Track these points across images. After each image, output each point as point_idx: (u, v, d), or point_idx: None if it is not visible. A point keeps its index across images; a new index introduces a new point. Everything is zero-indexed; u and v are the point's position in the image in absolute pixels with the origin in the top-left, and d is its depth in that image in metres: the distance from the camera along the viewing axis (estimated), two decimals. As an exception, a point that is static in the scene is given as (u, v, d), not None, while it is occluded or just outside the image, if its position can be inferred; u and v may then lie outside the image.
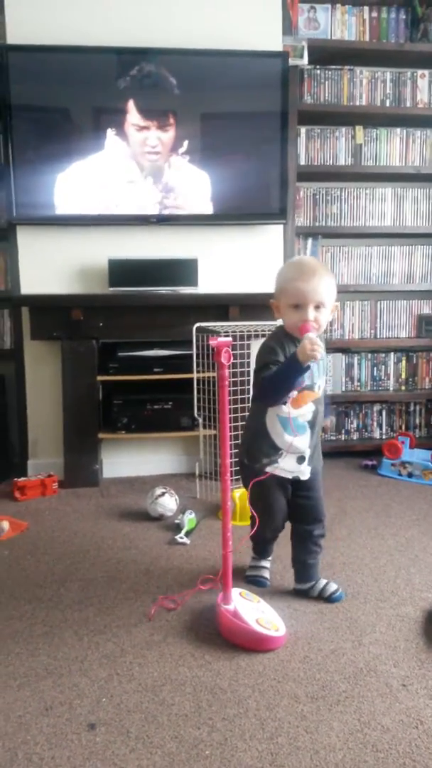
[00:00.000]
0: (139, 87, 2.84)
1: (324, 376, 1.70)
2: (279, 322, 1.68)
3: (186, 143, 2.90)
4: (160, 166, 2.90)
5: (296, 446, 1.65)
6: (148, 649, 1.52)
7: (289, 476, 1.69)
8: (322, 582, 1.78)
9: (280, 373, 1.56)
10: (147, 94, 2.85)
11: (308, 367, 1.52)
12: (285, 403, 1.62)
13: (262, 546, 1.88)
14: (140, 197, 2.91)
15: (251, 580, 1.84)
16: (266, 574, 1.86)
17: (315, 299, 1.55)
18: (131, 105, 2.85)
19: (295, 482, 1.71)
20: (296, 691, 1.35)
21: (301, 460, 1.68)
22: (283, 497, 1.73)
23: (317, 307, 1.56)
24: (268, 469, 1.67)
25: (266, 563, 1.89)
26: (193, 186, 2.94)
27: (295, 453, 1.67)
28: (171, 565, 2.01)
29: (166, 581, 1.89)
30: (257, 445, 1.68)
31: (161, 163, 2.90)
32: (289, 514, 1.78)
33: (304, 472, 1.70)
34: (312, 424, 1.67)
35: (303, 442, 1.66)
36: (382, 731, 1.22)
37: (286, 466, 1.67)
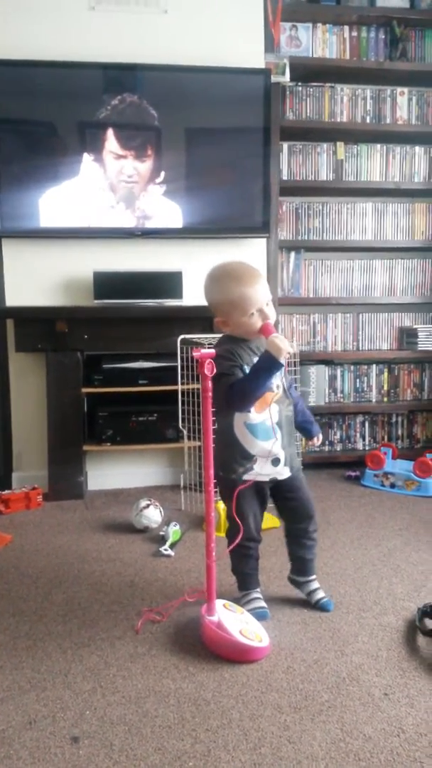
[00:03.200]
0: (120, 111, 2.88)
1: (281, 375, 1.69)
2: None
3: (170, 159, 2.94)
4: (144, 180, 2.93)
5: (271, 449, 1.65)
6: (132, 661, 1.52)
7: (266, 479, 1.69)
8: (314, 585, 1.80)
9: (254, 375, 1.58)
10: (130, 112, 2.88)
11: (282, 364, 1.56)
12: (249, 410, 1.63)
13: (245, 578, 1.77)
14: (123, 211, 2.94)
15: (253, 615, 1.67)
16: (264, 603, 1.74)
17: (265, 299, 1.61)
18: (113, 123, 2.88)
19: (277, 485, 1.72)
20: (279, 701, 1.36)
21: (276, 462, 1.68)
22: (256, 502, 1.72)
23: (268, 305, 1.62)
24: (245, 477, 1.67)
25: (258, 593, 1.77)
26: (178, 201, 2.98)
27: (270, 456, 1.66)
28: (155, 577, 2.02)
29: (151, 593, 1.89)
30: (230, 456, 1.68)
31: (145, 177, 2.93)
32: (282, 516, 1.82)
33: (282, 473, 1.70)
34: (280, 424, 1.67)
35: (276, 444, 1.66)
36: (364, 740, 1.24)
37: (261, 471, 1.67)
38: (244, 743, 1.23)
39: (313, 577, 1.83)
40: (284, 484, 1.73)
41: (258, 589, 1.78)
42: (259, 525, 1.75)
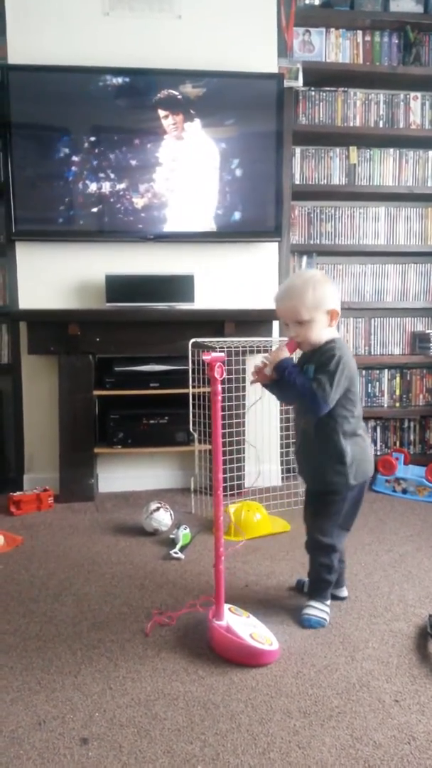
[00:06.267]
0: (134, 115, 2.90)
1: None
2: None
3: (183, 163, 2.95)
4: (156, 185, 2.95)
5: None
6: (141, 663, 1.52)
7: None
8: (306, 606, 1.75)
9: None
10: (144, 117, 2.90)
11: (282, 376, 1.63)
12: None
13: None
14: (136, 214, 2.96)
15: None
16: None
17: (290, 318, 1.67)
18: (127, 128, 2.91)
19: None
20: (289, 706, 1.35)
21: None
22: (307, 501, 1.83)
23: (300, 323, 1.65)
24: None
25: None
26: (190, 205, 2.99)
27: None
28: (165, 580, 2.02)
29: (161, 596, 1.89)
30: None
31: (158, 181, 2.95)
32: None
33: (301, 479, 1.84)
34: (297, 431, 1.79)
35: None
36: (375, 747, 1.23)
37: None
38: (253, 747, 1.23)
39: (308, 598, 1.77)
40: (308, 496, 1.82)
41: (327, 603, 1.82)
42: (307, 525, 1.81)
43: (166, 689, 1.42)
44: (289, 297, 1.66)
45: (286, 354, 1.65)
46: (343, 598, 1.85)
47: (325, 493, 1.72)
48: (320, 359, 1.64)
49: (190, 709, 1.34)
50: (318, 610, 1.73)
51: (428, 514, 2.68)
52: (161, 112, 2.91)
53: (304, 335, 1.65)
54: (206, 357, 1.54)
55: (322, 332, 1.66)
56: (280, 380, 1.63)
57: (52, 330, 2.85)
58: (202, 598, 1.81)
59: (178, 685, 1.43)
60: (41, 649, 1.60)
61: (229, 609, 1.64)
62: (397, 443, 3.44)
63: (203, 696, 1.39)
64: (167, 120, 2.92)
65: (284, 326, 1.73)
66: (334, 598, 1.82)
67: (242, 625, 1.57)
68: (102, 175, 2.92)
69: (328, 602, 1.77)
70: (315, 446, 1.70)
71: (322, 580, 1.75)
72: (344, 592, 1.87)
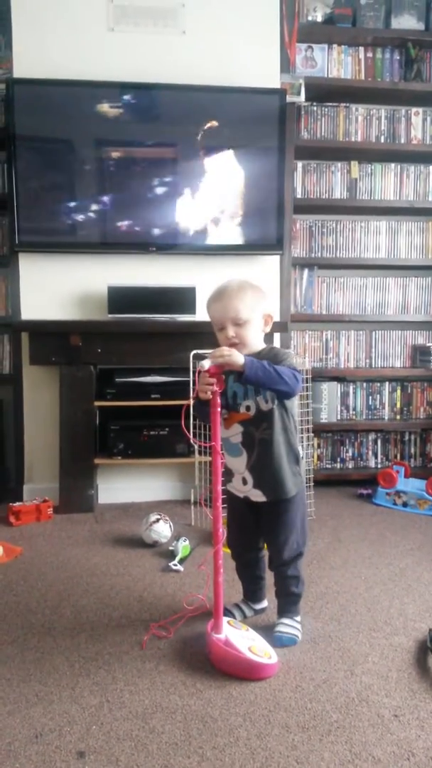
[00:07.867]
0: (137, 129, 2.93)
1: (256, 398, 1.61)
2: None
3: (186, 177, 2.97)
4: (159, 197, 2.97)
5: (234, 467, 1.69)
6: (139, 676, 1.52)
7: (240, 495, 1.71)
8: (278, 624, 1.72)
9: None
10: (148, 130, 2.93)
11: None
12: (222, 424, 1.67)
13: (242, 583, 1.86)
14: (138, 227, 2.97)
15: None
16: (236, 612, 1.80)
17: (229, 318, 1.61)
18: (131, 142, 2.94)
19: (259, 510, 1.71)
20: (287, 720, 1.34)
21: (244, 481, 1.68)
22: (244, 516, 1.74)
23: (238, 324, 1.61)
24: (227, 486, 1.75)
25: (242, 604, 1.84)
26: (192, 218, 3.01)
27: (238, 473, 1.69)
28: (164, 592, 2.01)
29: (159, 608, 1.88)
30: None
31: (161, 194, 2.97)
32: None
33: (253, 495, 1.68)
34: (248, 445, 1.64)
35: (239, 464, 1.67)
36: (374, 762, 1.22)
37: (235, 485, 1.72)
38: (251, 762, 1.22)
39: (279, 618, 1.73)
40: (263, 516, 1.72)
41: (248, 602, 1.85)
42: (241, 541, 1.78)
43: (163, 702, 1.41)
44: (228, 296, 1.62)
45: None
46: (261, 610, 1.86)
47: (286, 501, 1.66)
48: (274, 359, 1.59)
49: (187, 723, 1.33)
50: (289, 627, 1.70)
51: (429, 527, 2.67)
52: (165, 126, 2.94)
53: (243, 336, 1.60)
54: (202, 368, 1.55)
55: (258, 336, 1.65)
56: (250, 373, 1.51)
57: (54, 341, 2.86)
58: (187, 597, 1.80)
59: (176, 699, 1.42)
60: (39, 661, 1.59)
61: (228, 622, 1.63)
62: (398, 456, 3.43)
63: (201, 710, 1.38)
64: (171, 134, 2.95)
65: (218, 331, 1.64)
66: (257, 612, 1.84)
67: (241, 639, 1.56)
68: (105, 187, 2.94)
69: (299, 618, 1.74)
70: (275, 452, 1.62)
71: (291, 594, 1.73)
72: (264, 603, 1.87)
